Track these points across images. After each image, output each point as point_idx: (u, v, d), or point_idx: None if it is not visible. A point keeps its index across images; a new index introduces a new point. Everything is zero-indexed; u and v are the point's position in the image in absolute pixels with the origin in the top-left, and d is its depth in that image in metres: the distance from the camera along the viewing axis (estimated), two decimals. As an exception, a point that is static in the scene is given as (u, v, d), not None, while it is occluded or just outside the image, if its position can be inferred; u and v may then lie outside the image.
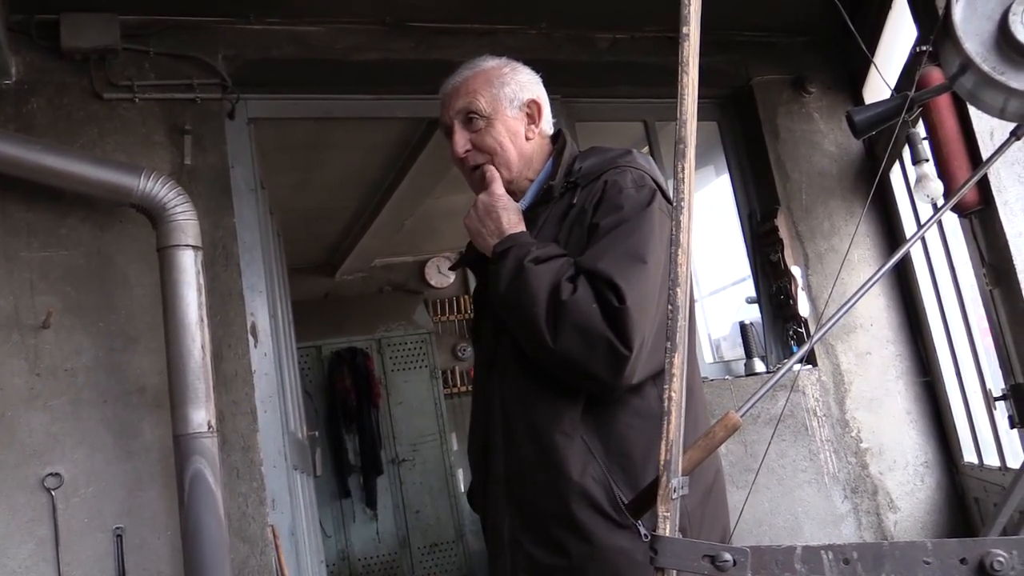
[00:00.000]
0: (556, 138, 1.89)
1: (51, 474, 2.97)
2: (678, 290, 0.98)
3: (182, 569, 2.91)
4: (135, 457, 3.07)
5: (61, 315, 3.10)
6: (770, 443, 3.44)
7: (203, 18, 3.50)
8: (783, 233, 4.12)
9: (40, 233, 3.15)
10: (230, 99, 3.51)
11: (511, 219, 1.72)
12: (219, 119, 3.49)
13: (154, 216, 3.06)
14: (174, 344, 2.95)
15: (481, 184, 1.81)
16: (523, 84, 1.84)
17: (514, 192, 1.82)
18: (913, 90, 2.33)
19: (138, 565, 2.98)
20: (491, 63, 1.86)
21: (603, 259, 1.57)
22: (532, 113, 1.84)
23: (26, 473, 2.96)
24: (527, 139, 1.83)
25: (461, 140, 1.80)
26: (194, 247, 3.05)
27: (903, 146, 3.57)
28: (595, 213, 1.67)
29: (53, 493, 2.95)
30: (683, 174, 1.01)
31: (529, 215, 1.77)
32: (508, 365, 1.70)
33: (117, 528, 2.99)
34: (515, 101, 1.82)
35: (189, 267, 3.01)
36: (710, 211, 4.82)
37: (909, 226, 4.07)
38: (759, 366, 4.09)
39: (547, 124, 1.88)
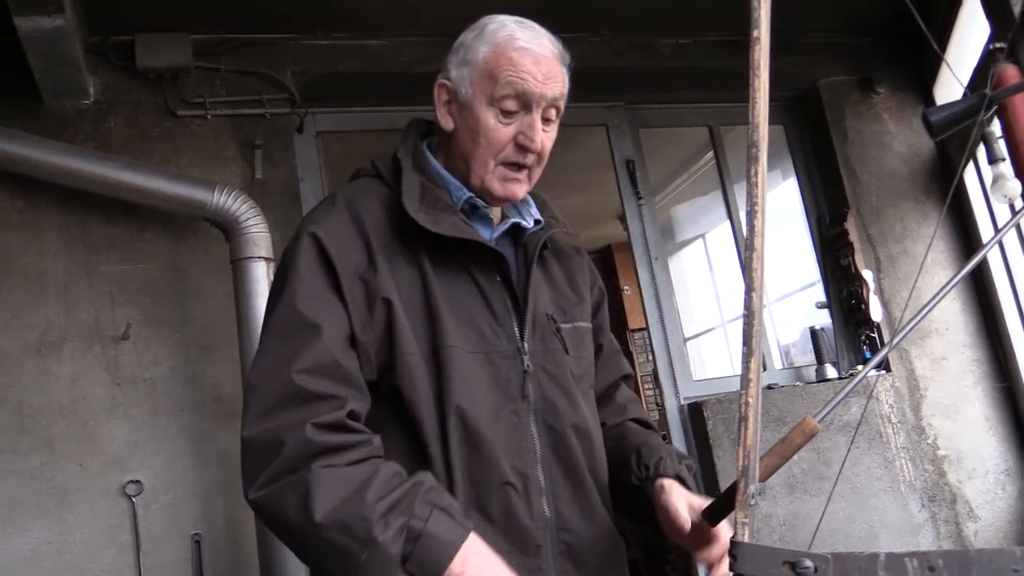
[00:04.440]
0: None
1: (132, 481, 3.05)
2: (753, 295, 0.97)
3: (259, 575, 2.97)
4: (211, 465, 3.14)
5: (139, 326, 3.19)
6: (848, 450, 3.37)
7: (271, 35, 3.58)
8: (853, 237, 4.04)
9: (119, 247, 3.25)
10: (298, 113, 3.58)
11: None
12: (288, 133, 3.56)
13: (227, 229, 3.13)
14: (248, 354, 3.01)
15: (510, 187, 1.51)
16: None
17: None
18: (989, 88, 2.27)
19: (216, 570, 3.05)
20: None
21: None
22: None
23: (108, 480, 3.05)
24: None
25: (541, 132, 1.49)
26: (266, 259, 3.11)
27: (977, 145, 3.48)
28: (597, 314, 1.70)
29: (134, 500, 3.04)
30: (756, 178, 1.00)
31: (500, 241, 1.56)
32: None
33: (195, 534, 3.06)
34: None
35: (261, 278, 3.08)
36: (777, 216, 4.76)
37: (984, 226, 3.97)
38: (831, 372, 4.02)
39: None
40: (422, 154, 1.57)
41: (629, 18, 3.91)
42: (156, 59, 3.36)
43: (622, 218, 4.11)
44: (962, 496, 3.87)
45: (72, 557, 2.96)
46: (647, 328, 3.99)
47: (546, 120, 1.49)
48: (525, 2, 3.68)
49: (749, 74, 1.00)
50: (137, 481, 3.06)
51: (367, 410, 1.37)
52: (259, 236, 3.11)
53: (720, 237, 6.01)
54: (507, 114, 1.47)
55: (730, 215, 4.29)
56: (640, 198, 4.03)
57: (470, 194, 1.52)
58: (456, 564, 1.22)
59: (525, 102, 1.46)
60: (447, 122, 1.53)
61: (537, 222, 1.60)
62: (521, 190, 1.52)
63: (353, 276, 1.39)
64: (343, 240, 1.42)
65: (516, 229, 1.58)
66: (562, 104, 1.51)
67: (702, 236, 6.74)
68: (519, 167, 1.50)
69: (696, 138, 4.75)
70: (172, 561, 3.04)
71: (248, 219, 3.11)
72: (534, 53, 1.46)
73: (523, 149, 1.47)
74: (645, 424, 1.70)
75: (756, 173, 1.00)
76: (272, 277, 3.07)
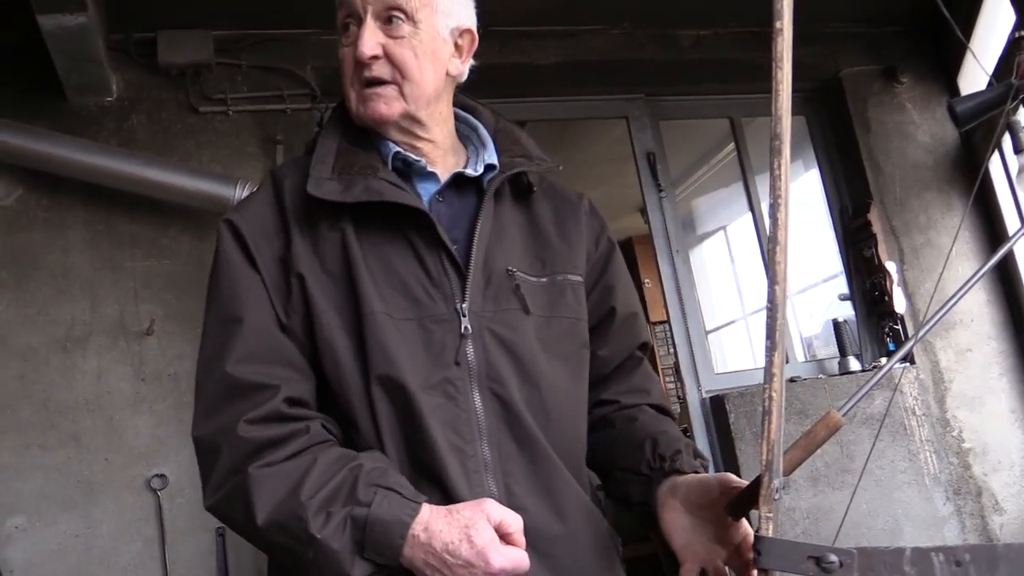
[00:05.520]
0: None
1: (157, 475, 3.08)
2: (776, 288, 0.96)
3: (281, 568, 2.99)
4: (235, 459, 3.16)
5: (163, 322, 3.21)
6: (874, 443, 3.34)
7: (292, 31, 3.59)
8: (876, 228, 4.01)
9: (143, 244, 3.27)
10: (319, 109, 3.59)
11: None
12: (308, 129, 3.56)
13: (249, 225, 3.14)
14: (270, 349, 3.02)
15: (371, 106, 1.36)
16: (463, 2, 1.44)
17: (417, 142, 1.41)
18: (1015, 77, 2.25)
19: (240, 564, 3.07)
20: None
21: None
22: (463, 45, 1.43)
23: (133, 474, 3.08)
24: (447, 74, 1.41)
25: (371, 39, 1.33)
26: (287, 254, 3.12)
27: (1003, 135, 3.44)
28: (606, 271, 1.54)
29: (159, 494, 3.07)
30: (779, 171, 0.99)
31: (451, 192, 1.40)
32: None
33: (219, 528, 3.07)
34: (451, 19, 1.40)
35: (283, 274, 3.09)
36: (799, 207, 4.73)
37: (1010, 217, 3.92)
38: (854, 365, 3.99)
39: (467, 67, 1.47)
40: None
41: (650, 10, 3.89)
42: (178, 56, 3.38)
43: (643, 211, 4.10)
44: (987, 489, 3.84)
45: (99, 550, 2.99)
46: (668, 321, 3.97)
47: (389, 21, 1.34)
48: (545, -5, 3.70)
49: (770, 65, 1.00)
50: (162, 475, 3.08)
51: (312, 390, 1.29)
52: (281, 231, 3.13)
53: (741, 229, 5.98)
54: (345, 34, 1.38)
55: (751, 207, 4.26)
56: (661, 190, 4.01)
57: (397, 149, 1.38)
58: (413, 539, 1.14)
59: (354, 14, 1.35)
60: None
61: (491, 167, 1.42)
62: (387, 107, 1.36)
63: (272, 259, 1.31)
64: (263, 223, 1.34)
65: (470, 179, 1.42)
66: (408, 6, 1.34)
67: (723, 228, 6.71)
68: (372, 83, 1.35)
69: (717, 130, 4.73)
70: (197, 554, 3.06)
71: (270, 214, 3.12)
72: None
73: (359, 64, 1.34)
74: (663, 411, 1.54)
75: (779, 166, 0.99)
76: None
